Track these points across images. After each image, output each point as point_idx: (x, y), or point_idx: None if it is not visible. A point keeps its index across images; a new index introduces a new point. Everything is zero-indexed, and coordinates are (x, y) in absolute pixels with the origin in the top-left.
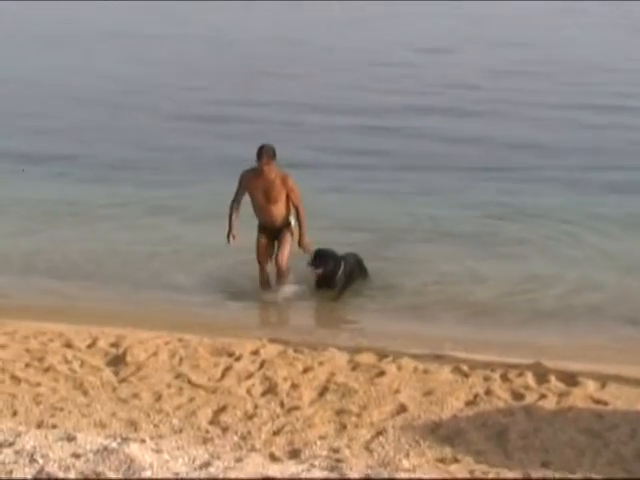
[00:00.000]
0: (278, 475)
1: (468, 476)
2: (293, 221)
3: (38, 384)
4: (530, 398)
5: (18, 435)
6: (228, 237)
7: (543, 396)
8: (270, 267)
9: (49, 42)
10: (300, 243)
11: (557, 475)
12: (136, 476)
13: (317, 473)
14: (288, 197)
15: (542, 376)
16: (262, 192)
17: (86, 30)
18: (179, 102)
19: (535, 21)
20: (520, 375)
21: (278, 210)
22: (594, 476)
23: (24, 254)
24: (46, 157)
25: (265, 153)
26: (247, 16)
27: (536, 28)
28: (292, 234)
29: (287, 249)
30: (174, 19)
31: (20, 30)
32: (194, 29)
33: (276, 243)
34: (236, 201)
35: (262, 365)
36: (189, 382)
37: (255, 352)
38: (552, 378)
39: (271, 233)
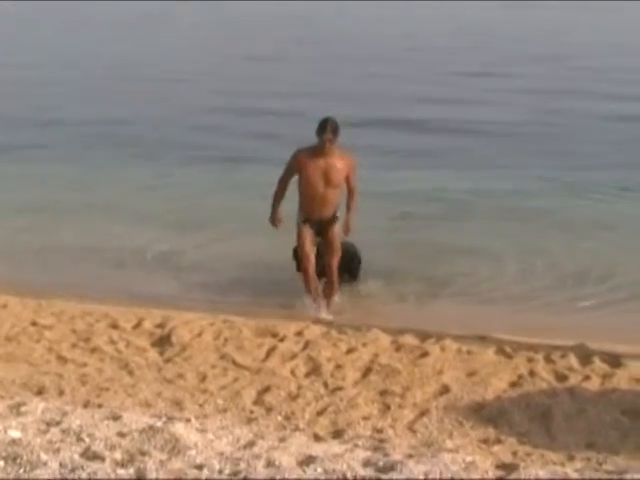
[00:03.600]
0: (321, 455)
1: (511, 457)
2: (339, 214)
3: (84, 364)
4: (574, 379)
5: (65, 414)
6: (274, 222)
7: (587, 377)
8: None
9: None
10: (346, 226)
11: (601, 457)
12: (181, 455)
13: (360, 453)
14: (346, 179)
15: (586, 358)
16: (322, 174)
17: None
18: None
19: None
20: (564, 357)
21: (335, 197)
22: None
23: (76, 239)
24: None
25: (330, 126)
26: None
27: None
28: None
29: (339, 254)
30: None
31: None
32: None
33: (322, 241)
34: (284, 182)
35: (306, 346)
36: (233, 363)
37: (299, 333)
38: (596, 360)
39: (316, 226)
